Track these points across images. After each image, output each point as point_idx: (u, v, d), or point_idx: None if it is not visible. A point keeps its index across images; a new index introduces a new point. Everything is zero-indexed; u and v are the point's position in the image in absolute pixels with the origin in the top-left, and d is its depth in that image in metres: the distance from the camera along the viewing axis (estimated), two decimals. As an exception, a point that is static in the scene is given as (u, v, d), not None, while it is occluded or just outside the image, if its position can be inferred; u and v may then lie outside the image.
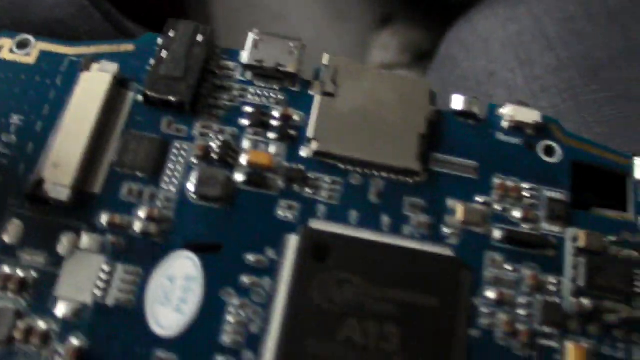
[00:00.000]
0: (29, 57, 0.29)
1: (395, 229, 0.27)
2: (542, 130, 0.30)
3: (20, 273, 0.25)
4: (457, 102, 0.30)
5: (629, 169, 0.30)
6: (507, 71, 0.38)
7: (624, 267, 0.28)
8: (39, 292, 0.25)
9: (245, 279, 0.26)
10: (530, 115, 0.29)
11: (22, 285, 0.25)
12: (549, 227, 0.28)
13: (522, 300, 0.27)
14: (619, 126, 0.35)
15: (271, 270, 0.26)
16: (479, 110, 0.30)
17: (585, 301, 0.27)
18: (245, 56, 0.29)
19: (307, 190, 0.28)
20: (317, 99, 0.29)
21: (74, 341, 0.25)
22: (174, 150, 0.28)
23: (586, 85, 0.37)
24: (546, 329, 0.27)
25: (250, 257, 0.26)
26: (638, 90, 0.37)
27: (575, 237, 0.28)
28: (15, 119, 0.28)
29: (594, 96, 0.37)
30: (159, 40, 0.29)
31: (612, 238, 0.28)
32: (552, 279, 0.27)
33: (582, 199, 0.29)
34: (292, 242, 0.26)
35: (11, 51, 0.29)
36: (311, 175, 0.28)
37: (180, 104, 0.28)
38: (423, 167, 0.28)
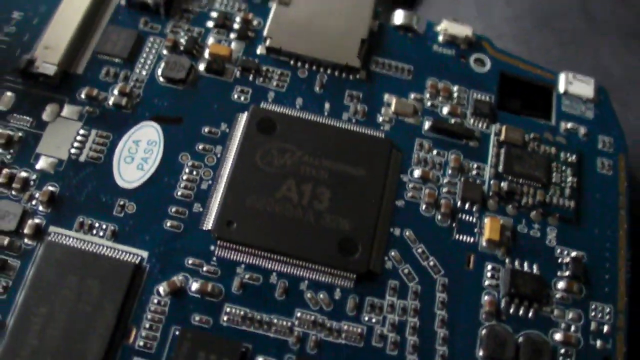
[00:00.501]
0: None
1: (335, 114, 0.31)
2: (473, 44, 0.34)
3: (8, 132, 0.30)
4: (399, 17, 0.34)
5: (555, 82, 0.34)
6: (469, 20, 0.42)
7: (542, 159, 0.31)
8: (23, 148, 0.30)
9: (199, 146, 0.30)
10: (463, 30, 0.33)
11: (9, 142, 0.29)
12: (474, 123, 0.32)
13: (443, 178, 0.31)
14: (563, 67, 0.39)
15: (223, 141, 0.30)
16: (417, 26, 0.34)
17: (503, 184, 0.31)
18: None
19: (260, 79, 0.32)
20: (274, 7, 0.33)
21: (49, 187, 0.29)
22: (148, 44, 0.32)
23: (538, 32, 0.40)
24: (466, 205, 0.30)
25: (206, 129, 0.30)
26: (582, 36, 0.40)
27: (497, 131, 0.32)
28: (16, 14, 0.32)
29: (544, 41, 0.40)
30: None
31: (533, 135, 0.32)
32: (474, 164, 0.31)
33: (510, 106, 0.33)
34: (243, 117, 0.30)
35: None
36: (264, 67, 0.32)
37: (156, 7, 0.32)
38: (362, 64, 0.32)
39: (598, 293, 0.29)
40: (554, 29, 0.41)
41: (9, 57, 0.31)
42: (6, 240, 0.28)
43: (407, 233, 0.29)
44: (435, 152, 0.31)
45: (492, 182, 0.31)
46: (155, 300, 0.27)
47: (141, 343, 0.27)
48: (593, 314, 0.29)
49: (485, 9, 0.42)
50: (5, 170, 0.29)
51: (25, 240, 0.28)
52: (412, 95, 0.32)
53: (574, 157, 0.32)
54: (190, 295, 0.28)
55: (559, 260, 0.30)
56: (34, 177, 0.29)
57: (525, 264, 0.29)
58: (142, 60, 0.32)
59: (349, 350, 0.27)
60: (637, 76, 0.38)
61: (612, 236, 0.30)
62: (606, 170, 0.32)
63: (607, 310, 0.29)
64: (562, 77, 0.34)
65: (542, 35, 0.40)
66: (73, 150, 0.30)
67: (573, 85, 0.33)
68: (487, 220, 0.30)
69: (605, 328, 0.29)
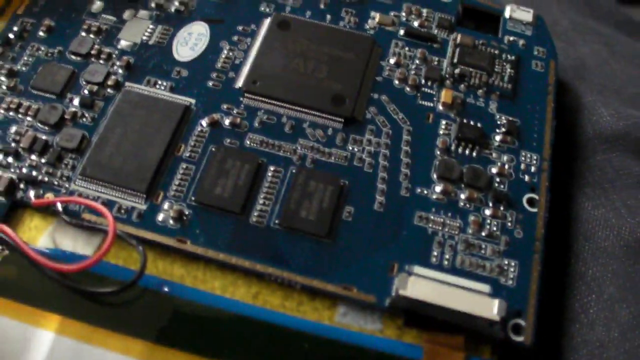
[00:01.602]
0: None
1: (334, 22, 0.43)
2: (440, -19, 0.45)
3: (98, 24, 0.42)
4: None
5: (502, 11, 0.45)
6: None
7: (487, 55, 0.42)
8: (109, 35, 0.42)
9: (234, 37, 0.42)
10: None
11: (99, 31, 0.41)
12: (438, 32, 0.43)
13: (413, 66, 0.42)
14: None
15: (252, 35, 0.42)
16: None
17: (457, 69, 0.41)
18: None
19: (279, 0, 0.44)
20: None
21: (127, 58, 0.40)
22: None
23: None
24: (428, 82, 0.41)
25: (240, 27, 0.42)
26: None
27: (455, 37, 0.43)
28: None
29: None
30: None
31: (482, 41, 0.43)
32: (434, 59, 0.42)
33: (466, 26, 0.44)
34: (267, 20, 0.42)
35: None
36: None
37: None
38: None
39: (527, 145, 0.39)
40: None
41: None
42: (95, 88, 0.39)
43: (383, 97, 0.40)
44: (407, 48, 0.42)
45: (448, 68, 0.42)
46: (199, 129, 0.38)
47: (187, 154, 0.37)
48: (523, 158, 0.39)
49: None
50: (95, 47, 0.41)
51: (108, 90, 0.39)
52: (392, 13, 0.44)
53: (513, 57, 0.42)
54: (224, 127, 0.38)
55: (498, 122, 0.40)
56: (116, 52, 0.41)
57: (471, 122, 0.40)
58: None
59: (336, 167, 0.38)
60: (581, 27, 0.49)
61: (540, 110, 0.40)
62: (539, 69, 0.42)
63: (535, 157, 0.39)
64: (508, 7, 0.45)
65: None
66: (144, 37, 0.42)
67: (516, 12, 0.44)
68: (443, 91, 0.40)
69: (533, 168, 0.38)
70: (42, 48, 0.41)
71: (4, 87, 0.39)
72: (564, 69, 0.44)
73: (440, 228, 0.36)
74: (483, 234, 0.36)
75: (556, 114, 0.40)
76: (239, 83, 0.40)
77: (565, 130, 0.42)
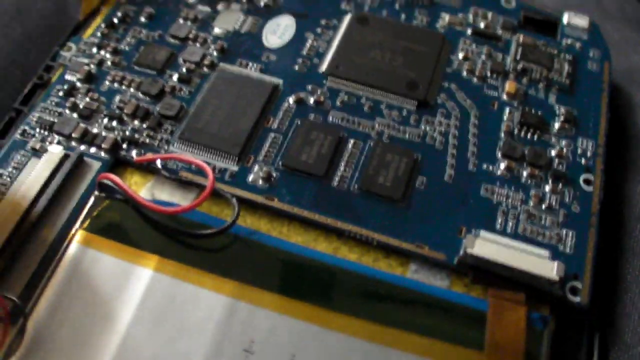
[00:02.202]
0: None
1: (408, 21, 0.47)
2: (506, -10, 0.50)
3: (195, 12, 0.46)
4: None
5: (560, 18, 0.49)
6: None
7: (547, 54, 0.46)
8: (204, 23, 0.46)
9: (318, 30, 0.46)
10: None
11: (195, 19, 0.46)
12: (502, 33, 0.47)
13: (479, 61, 0.46)
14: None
15: (334, 29, 0.46)
16: None
17: (519, 65, 0.45)
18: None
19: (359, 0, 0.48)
20: None
21: (221, 42, 0.45)
22: None
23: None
24: (494, 75, 0.45)
25: (323, 21, 0.47)
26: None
27: (518, 38, 0.47)
28: None
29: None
30: None
31: (542, 42, 0.47)
32: (499, 55, 0.46)
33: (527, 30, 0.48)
34: (348, 18, 0.47)
35: None
36: None
37: None
38: None
39: (584, 133, 0.43)
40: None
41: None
42: (192, 66, 0.44)
43: (452, 85, 0.44)
44: (474, 45, 0.46)
45: (511, 64, 0.45)
46: (286, 105, 0.42)
47: (275, 126, 0.41)
48: (580, 143, 0.42)
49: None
50: (192, 32, 0.45)
51: (204, 68, 0.44)
52: (460, 15, 0.48)
53: (570, 56, 0.46)
54: (309, 105, 0.42)
55: (557, 112, 0.44)
56: (211, 37, 0.45)
57: (533, 110, 0.43)
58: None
59: (410, 143, 0.41)
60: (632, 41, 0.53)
61: (595, 103, 0.44)
62: (594, 68, 0.46)
63: (591, 143, 0.42)
64: (566, 14, 0.49)
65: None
66: (237, 26, 0.46)
67: (573, 19, 0.48)
68: (507, 82, 0.44)
69: (589, 153, 0.42)
70: (144, 32, 0.45)
71: (109, 63, 0.43)
72: (616, 73, 0.48)
73: (504, 199, 0.39)
74: (543, 206, 0.39)
75: (610, 110, 0.44)
76: (323, 67, 0.44)
77: (620, 126, 0.45)
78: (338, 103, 0.42)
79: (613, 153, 0.44)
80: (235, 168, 0.39)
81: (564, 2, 0.54)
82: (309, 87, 0.43)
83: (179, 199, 0.38)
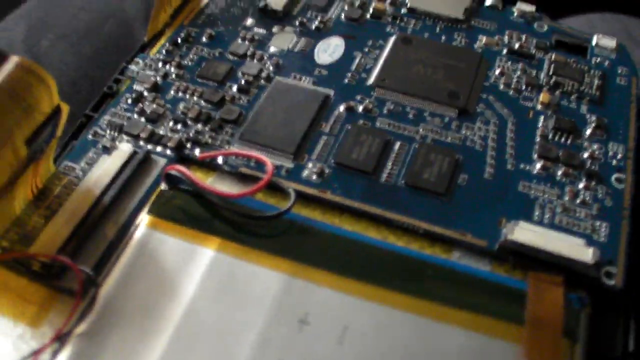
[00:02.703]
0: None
1: (448, 42, 0.51)
2: (537, 17, 0.53)
3: (252, 34, 0.51)
4: (488, 1, 0.54)
5: (590, 40, 0.53)
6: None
7: (578, 70, 0.50)
8: (261, 43, 0.51)
9: (365, 48, 0.50)
10: (530, 7, 0.53)
11: (252, 39, 0.51)
12: (536, 52, 0.51)
13: (515, 76, 0.49)
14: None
15: (380, 47, 0.50)
16: (499, 5, 0.54)
17: (552, 79, 0.49)
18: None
19: (402, 24, 0.52)
20: None
21: (276, 59, 0.49)
22: (335, 4, 0.54)
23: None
24: (529, 88, 0.48)
25: (369, 42, 0.51)
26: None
27: (550, 56, 0.51)
28: None
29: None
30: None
31: (572, 59, 0.51)
32: (533, 71, 0.50)
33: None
34: (393, 38, 0.51)
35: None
36: (405, 18, 0.53)
37: None
38: (465, 19, 0.52)
39: (614, 138, 0.46)
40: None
41: (252, 2, 0.53)
42: (250, 79, 0.48)
43: (490, 97, 0.48)
44: (509, 63, 0.50)
45: (544, 78, 0.49)
46: (337, 112, 0.46)
47: (327, 130, 0.45)
48: (611, 147, 0.45)
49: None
50: (250, 50, 0.50)
51: (261, 81, 0.48)
52: (497, 37, 0.52)
53: (600, 72, 0.50)
54: (358, 112, 0.46)
55: (588, 120, 0.47)
56: (267, 55, 0.50)
57: (566, 118, 0.47)
58: (331, 10, 0.53)
59: (452, 145, 0.45)
60: None
61: (625, 114, 0.47)
62: (623, 82, 0.49)
63: (621, 147, 0.45)
64: (595, 37, 0.52)
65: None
66: (290, 46, 0.50)
67: (602, 40, 0.52)
68: (542, 93, 0.48)
69: (619, 155, 0.45)
70: (205, 50, 0.50)
71: (174, 75, 0.47)
72: (644, 90, 0.51)
73: (541, 194, 0.42)
74: (577, 201, 0.42)
75: (638, 120, 0.47)
76: (371, 80, 0.48)
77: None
78: (385, 111, 0.46)
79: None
80: (290, 165, 0.42)
81: (595, 32, 0.58)
82: (358, 97, 0.47)
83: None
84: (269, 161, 0.41)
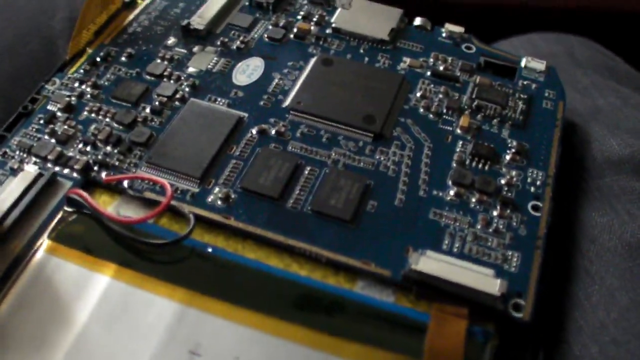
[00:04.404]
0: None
1: (371, 63, 0.50)
2: (465, 39, 0.53)
3: (172, 54, 0.50)
4: (417, 21, 0.53)
5: (519, 62, 0.52)
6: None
7: (502, 93, 0.49)
8: (180, 63, 0.49)
9: (285, 70, 0.49)
10: (458, 29, 0.53)
11: (171, 59, 0.50)
12: (460, 74, 0.50)
13: (436, 99, 0.48)
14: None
15: (300, 69, 0.49)
16: (428, 27, 0.53)
17: (474, 102, 0.48)
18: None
19: (326, 44, 0.51)
20: (339, 10, 0.53)
21: (193, 80, 0.48)
22: (259, 24, 0.53)
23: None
24: (449, 111, 0.47)
25: (289, 63, 0.50)
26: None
27: (475, 79, 0.50)
28: (181, 4, 0.54)
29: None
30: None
31: (498, 82, 0.50)
32: (455, 94, 0.49)
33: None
34: (314, 60, 0.50)
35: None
36: (329, 39, 0.52)
37: (267, 5, 0.53)
38: (391, 40, 0.52)
39: (535, 164, 0.44)
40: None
41: (176, 21, 0.52)
42: (164, 100, 0.47)
43: (408, 120, 0.47)
44: (432, 86, 0.49)
45: (466, 101, 0.48)
46: (249, 135, 0.45)
47: (237, 153, 0.44)
48: (530, 174, 0.44)
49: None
50: (167, 71, 0.49)
51: (176, 102, 0.47)
52: (421, 59, 0.51)
53: (525, 96, 0.49)
54: (270, 135, 0.45)
55: (509, 145, 0.46)
56: (185, 75, 0.49)
57: (485, 143, 0.46)
58: (255, 30, 0.52)
59: (364, 170, 0.43)
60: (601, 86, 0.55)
61: (548, 138, 0.46)
62: (549, 107, 0.48)
63: (541, 173, 0.44)
64: (524, 59, 0.51)
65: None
66: (209, 66, 0.49)
67: (531, 63, 0.51)
68: (462, 117, 0.47)
69: (538, 182, 0.43)
70: (123, 69, 0.49)
71: (89, 96, 0.46)
72: (579, 114, 0.50)
73: (452, 222, 0.41)
74: (490, 229, 0.41)
75: (567, 147, 0.46)
76: (286, 102, 0.46)
77: (576, 159, 0.47)
78: (298, 134, 0.45)
79: (568, 185, 0.45)
80: (196, 189, 0.41)
81: (536, 52, 0.58)
82: (272, 120, 0.45)
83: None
84: (169, 185, 0.40)
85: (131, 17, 0.53)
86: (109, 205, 0.41)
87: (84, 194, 0.40)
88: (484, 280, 0.38)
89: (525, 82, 0.50)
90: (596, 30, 0.64)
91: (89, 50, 0.50)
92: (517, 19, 0.76)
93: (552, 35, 0.62)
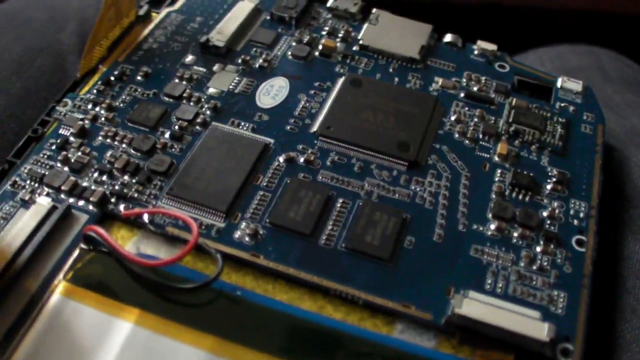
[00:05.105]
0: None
1: (401, 84, 0.48)
2: (498, 57, 0.50)
3: (191, 73, 0.47)
4: (448, 37, 0.51)
5: (554, 82, 0.49)
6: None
7: (540, 116, 0.46)
8: (200, 83, 0.47)
9: (312, 91, 0.47)
10: (491, 47, 0.50)
11: (190, 79, 0.47)
12: (495, 96, 0.47)
13: (472, 124, 0.46)
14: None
15: (327, 90, 0.47)
16: (459, 43, 0.50)
17: (512, 127, 0.45)
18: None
19: (353, 63, 0.49)
20: (366, 25, 0.51)
21: (214, 102, 0.45)
22: (281, 40, 0.50)
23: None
24: (485, 137, 0.45)
25: (316, 84, 0.47)
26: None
27: (511, 101, 0.47)
28: (199, 19, 0.51)
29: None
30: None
31: (535, 105, 0.47)
32: (491, 118, 0.46)
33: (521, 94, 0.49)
34: (342, 80, 0.47)
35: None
36: (357, 57, 0.49)
37: (290, 20, 0.51)
38: (421, 59, 0.49)
39: (577, 194, 0.42)
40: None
41: (194, 36, 0.49)
42: (185, 124, 0.44)
43: (444, 147, 0.44)
44: (466, 108, 0.46)
45: (503, 126, 0.45)
46: (276, 163, 0.42)
47: (264, 183, 0.41)
48: (572, 205, 0.42)
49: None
50: (186, 92, 0.46)
51: (196, 127, 0.44)
52: (454, 79, 0.48)
53: (563, 119, 0.46)
54: (299, 164, 0.42)
55: (549, 173, 0.43)
56: (205, 97, 0.46)
57: (525, 172, 0.43)
58: (278, 47, 0.49)
59: (400, 202, 0.41)
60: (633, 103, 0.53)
61: (589, 165, 0.44)
62: (588, 131, 0.46)
63: (583, 205, 0.42)
64: (559, 78, 0.49)
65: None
66: (231, 86, 0.47)
67: (567, 83, 0.48)
68: (499, 144, 0.44)
69: (582, 214, 0.41)
70: (139, 89, 0.46)
71: (103, 119, 0.44)
72: (615, 135, 0.48)
73: (494, 260, 0.39)
74: (534, 267, 0.38)
75: (605, 171, 0.44)
76: (314, 128, 0.44)
77: (616, 185, 0.45)
78: (328, 163, 0.42)
79: (610, 213, 0.43)
80: (222, 224, 0.39)
81: (565, 66, 0.55)
82: (300, 146, 0.43)
83: (164, 254, 0.38)
84: (194, 224, 0.37)
85: (146, 32, 0.50)
86: (128, 241, 0.39)
87: (102, 231, 0.37)
88: (531, 325, 0.35)
89: (562, 104, 0.47)
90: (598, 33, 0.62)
91: (102, 68, 0.47)
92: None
93: (581, 48, 0.60)
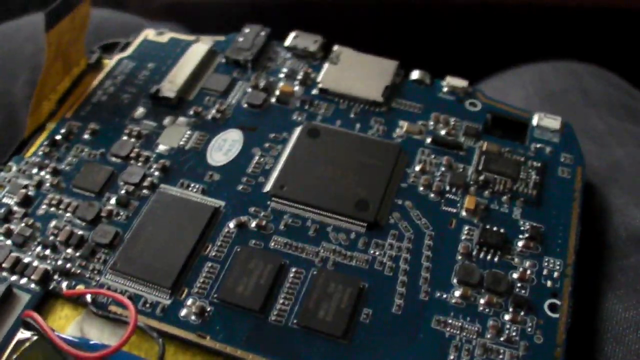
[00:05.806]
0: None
1: (363, 130, 0.45)
2: (469, 93, 0.47)
3: (139, 129, 0.44)
4: (414, 74, 0.48)
5: (529, 119, 0.46)
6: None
7: (512, 162, 0.43)
8: (148, 140, 0.44)
9: (266, 144, 0.44)
10: (461, 83, 0.47)
11: (139, 135, 0.44)
12: (465, 139, 0.44)
13: (438, 173, 0.43)
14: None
15: (283, 142, 0.44)
16: (427, 80, 0.47)
17: (481, 176, 0.42)
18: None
19: (312, 109, 0.46)
20: (326, 65, 0.48)
21: (163, 161, 0.43)
22: (238, 85, 0.47)
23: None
24: (453, 189, 0.42)
25: (271, 135, 0.44)
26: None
27: (481, 145, 0.44)
28: (150, 65, 0.48)
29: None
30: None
31: (508, 149, 0.44)
32: (460, 166, 0.43)
33: (493, 134, 0.45)
34: (298, 130, 0.44)
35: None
36: (316, 101, 0.46)
37: (245, 63, 0.48)
38: (385, 101, 0.46)
39: (551, 251, 0.39)
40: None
41: (144, 86, 0.47)
42: (131, 188, 0.41)
43: (407, 202, 0.41)
44: (433, 156, 0.43)
45: (472, 175, 0.42)
46: (226, 230, 0.40)
47: (213, 254, 0.39)
48: (546, 264, 0.39)
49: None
50: (134, 150, 0.43)
51: (144, 190, 0.42)
52: (420, 122, 0.45)
53: (539, 164, 0.43)
54: (250, 229, 0.40)
55: (521, 228, 0.40)
56: (154, 155, 0.43)
57: (494, 228, 0.40)
58: (232, 94, 0.47)
59: (357, 270, 0.38)
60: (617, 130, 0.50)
61: (566, 215, 0.41)
62: (565, 175, 0.43)
63: (558, 263, 0.39)
64: (535, 115, 0.46)
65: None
66: (182, 142, 0.44)
67: (543, 120, 0.45)
68: (467, 197, 0.41)
69: (555, 274, 0.38)
70: (86, 149, 0.43)
71: (48, 184, 0.41)
72: (596, 171, 0.45)
73: (458, 332, 0.36)
74: (501, 339, 0.36)
75: (584, 217, 0.41)
76: (267, 187, 0.41)
77: (597, 232, 0.42)
78: (281, 227, 0.40)
79: (590, 265, 0.40)
80: (167, 302, 0.37)
81: (546, 89, 0.52)
82: (252, 209, 0.40)
83: (108, 336, 0.36)
84: (133, 307, 0.35)
85: (95, 82, 0.47)
86: (72, 321, 0.37)
87: (39, 318, 0.35)
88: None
89: (538, 146, 0.44)
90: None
91: (50, 126, 0.45)
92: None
93: (562, 66, 0.56)
